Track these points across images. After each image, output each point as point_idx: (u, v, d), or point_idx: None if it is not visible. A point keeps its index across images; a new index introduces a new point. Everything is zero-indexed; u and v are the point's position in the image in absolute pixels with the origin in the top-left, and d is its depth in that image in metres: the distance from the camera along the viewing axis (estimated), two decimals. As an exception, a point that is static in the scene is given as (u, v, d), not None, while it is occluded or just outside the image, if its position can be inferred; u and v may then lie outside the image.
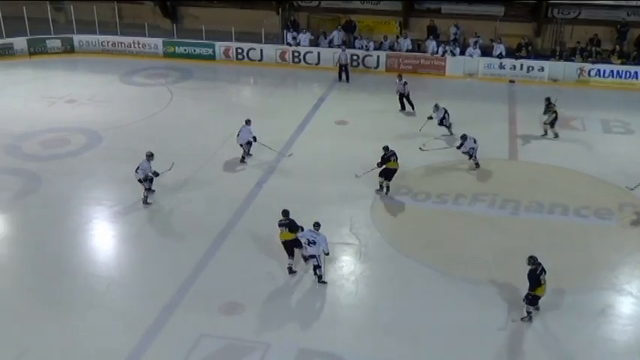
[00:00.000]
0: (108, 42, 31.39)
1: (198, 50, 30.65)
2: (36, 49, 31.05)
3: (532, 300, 13.51)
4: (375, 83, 27.77)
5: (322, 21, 31.85)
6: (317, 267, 14.74)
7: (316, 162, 20.80)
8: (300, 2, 31.90)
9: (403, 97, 24.78)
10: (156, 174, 18.28)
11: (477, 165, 20.19)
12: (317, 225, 14.68)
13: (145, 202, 18.35)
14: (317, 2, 31.69)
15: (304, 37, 30.13)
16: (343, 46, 28.78)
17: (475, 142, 20.12)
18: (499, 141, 22.13)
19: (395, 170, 18.44)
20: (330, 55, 29.37)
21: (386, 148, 18.52)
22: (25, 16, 30.42)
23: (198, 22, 31.34)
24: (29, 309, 14.16)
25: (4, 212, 18.02)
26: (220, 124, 23.01)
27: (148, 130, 23.14)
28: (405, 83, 24.65)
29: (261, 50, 30.12)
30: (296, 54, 29.78)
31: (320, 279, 14.88)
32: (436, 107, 22.32)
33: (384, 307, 14.32)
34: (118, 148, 21.67)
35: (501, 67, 28.30)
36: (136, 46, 31.22)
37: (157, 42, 31.04)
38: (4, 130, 22.83)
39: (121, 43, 31.33)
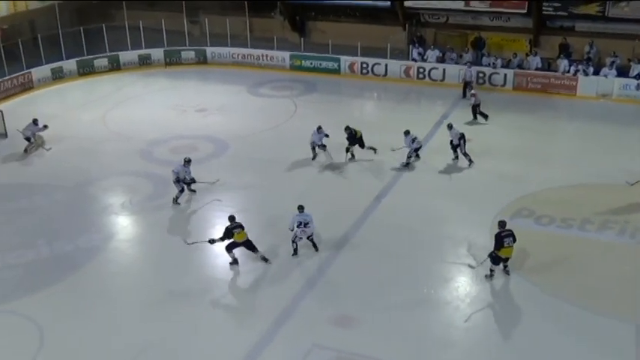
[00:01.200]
0: (238, 54, 32.60)
1: (323, 64, 31.20)
2: (171, 60, 32.79)
3: (495, 259, 15.15)
4: (500, 102, 27.14)
5: (449, 37, 31.55)
6: (315, 244, 16.65)
7: (436, 179, 20.60)
8: (427, 18, 31.76)
9: (476, 108, 25.09)
10: (193, 180, 19.37)
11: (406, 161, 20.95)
12: (301, 207, 16.40)
13: (175, 201, 19.27)
14: (445, 18, 31.44)
15: (432, 54, 29.94)
16: (469, 63, 28.39)
17: (414, 141, 20.95)
18: (635, 164, 20.97)
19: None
20: (455, 71, 29.05)
21: None
22: (164, 28, 32.24)
23: (325, 37, 31.91)
24: (149, 308, 14.90)
25: (135, 214, 19.09)
26: (340, 137, 23.23)
27: (271, 140, 23.82)
28: (474, 95, 25.18)
29: (386, 65, 30.25)
30: (421, 70, 29.66)
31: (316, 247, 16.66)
32: (450, 127, 21.74)
33: (499, 332, 13.93)
34: (243, 156, 22.44)
35: (639, 88, 26.87)
36: (265, 58, 32.23)
37: (285, 55, 31.89)
38: (139, 136, 24.24)
39: (251, 55, 32.45)
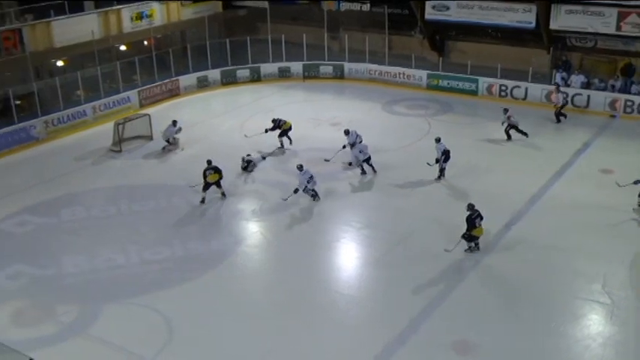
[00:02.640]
0: (375, 71, 32.88)
1: (461, 84, 30.81)
2: (310, 73, 33.59)
3: (469, 237, 16.93)
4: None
5: (597, 63, 30.19)
6: (314, 194, 20.14)
7: (573, 211, 19.73)
8: (574, 42, 30.58)
9: (514, 128, 25.14)
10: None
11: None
12: (301, 166, 20.20)
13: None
14: (593, 42, 30.12)
15: (576, 79, 28.79)
16: (557, 84, 27.83)
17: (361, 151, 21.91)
18: None
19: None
20: (601, 99, 27.78)
21: None
22: (304, 42, 33.11)
23: (465, 57, 31.51)
24: (273, 315, 15.30)
25: (264, 220, 19.69)
26: (474, 159, 22.86)
27: (402, 158, 23.77)
28: (510, 117, 25.05)
29: (526, 89, 29.41)
30: (563, 95, 28.58)
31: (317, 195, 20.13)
32: (437, 140, 22.02)
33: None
34: (372, 173, 22.54)
35: None
36: (401, 76, 32.28)
37: (422, 74, 31.79)
38: (274, 145, 24.95)
39: (388, 72, 32.62)
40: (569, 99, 28.34)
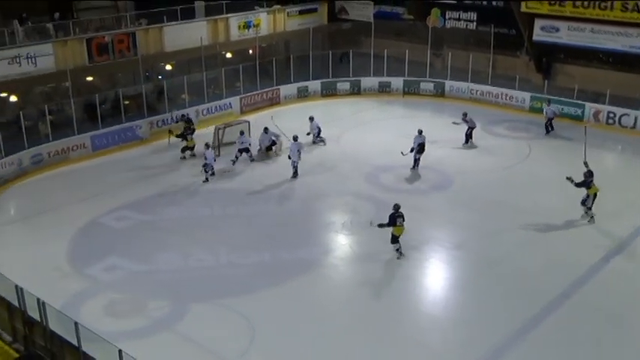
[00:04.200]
0: (477, 90, 32.39)
1: (566, 109, 29.83)
2: (410, 90, 33.48)
3: (393, 238, 17.97)
4: None
5: None
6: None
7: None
8: (692, 71, 29.08)
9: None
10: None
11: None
12: (296, 137, 23.16)
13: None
14: None
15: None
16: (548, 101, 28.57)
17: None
18: None
19: None
20: None
21: None
22: (406, 58, 33.05)
23: (572, 81, 30.52)
24: (354, 329, 15.31)
25: (354, 234, 19.73)
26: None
27: (499, 180, 23.27)
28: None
29: (636, 118, 28.17)
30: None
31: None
32: (419, 132, 24.10)
33: None
34: (467, 193, 22.20)
35: None
36: (504, 97, 31.65)
37: (525, 96, 31.05)
38: (368, 160, 25.05)
39: (489, 93, 32.06)
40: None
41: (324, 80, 33.39)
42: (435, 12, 33.99)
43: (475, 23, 33.27)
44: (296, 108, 31.76)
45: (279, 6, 34.44)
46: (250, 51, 32.98)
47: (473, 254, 18.37)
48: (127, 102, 27.83)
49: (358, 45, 35.65)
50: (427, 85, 33.40)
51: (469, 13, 33.23)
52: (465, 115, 26.87)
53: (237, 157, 24.76)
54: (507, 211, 20.83)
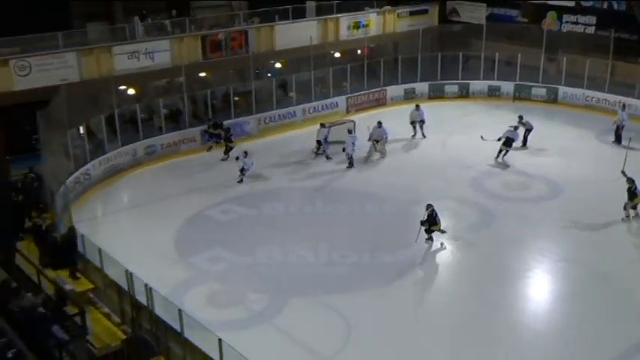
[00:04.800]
0: (592, 97, 31.06)
1: (690, 120, 28.18)
2: (520, 95, 32.59)
3: (428, 231, 18.57)
4: None
5: None
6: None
7: None
8: None
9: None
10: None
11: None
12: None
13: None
14: None
15: None
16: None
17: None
18: None
19: None
20: None
21: None
22: (518, 62, 32.18)
23: (698, 91, 28.81)
24: (450, 335, 15.12)
25: (455, 239, 19.40)
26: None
27: (611, 192, 22.18)
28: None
29: None
30: None
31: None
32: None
33: None
34: (577, 204, 21.40)
35: None
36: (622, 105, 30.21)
37: (643, 104, 29.56)
38: (474, 164, 24.65)
39: (606, 100, 30.65)
40: None
41: (432, 82, 33.04)
42: (552, 15, 32.94)
43: (594, 27, 31.97)
44: (402, 109, 31.47)
45: (389, 7, 34.37)
46: (359, 51, 33.08)
47: (580, 268, 17.70)
48: (236, 98, 28.58)
49: (468, 47, 34.98)
50: (539, 91, 32.38)
51: (588, 16, 32.00)
52: (520, 117, 26.43)
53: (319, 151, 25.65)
54: (619, 226, 19.91)
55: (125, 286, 15.43)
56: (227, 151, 25.55)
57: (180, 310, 13.70)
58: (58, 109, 20.94)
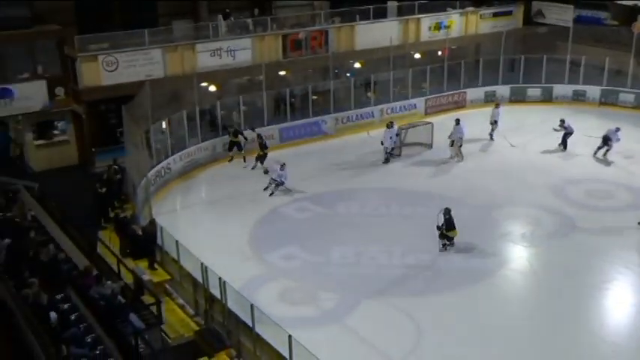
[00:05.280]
0: (687, 104, 29.74)
1: None
2: (607, 100, 31.46)
3: (446, 236, 18.26)
4: None
5: None
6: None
7: None
8: None
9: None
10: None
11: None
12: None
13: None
14: None
15: None
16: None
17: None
18: None
19: None
20: None
21: None
22: (606, 66, 31.06)
23: None
24: (523, 346, 14.74)
25: (533, 246, 18.97)
26: None
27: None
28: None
29: None
30: None
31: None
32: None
33: None
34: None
35: None
36: None
37: None
38: (555, 171, 24.03)
39: (702, 107, 29.26)
40: None
41: (514, 85, 32.31)
42: (645, 18, 31.66)
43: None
44: (481, 112, 30.91)
45: (472, 8, 33.82)
46: (439, 52, 32.68)
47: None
48: (315, 97, 28.73)
49: (553, 50, 34.01)
50: (627, 97, 31.15)
51: (683, 19, 30.62)
52: (562, 121, 26.02)
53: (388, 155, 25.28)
54: None
55: (200, 279, 15.76)
56: (260, 159, 24.41)
57: (252, 305, 13.89)
58: (142, 104, 21.59)
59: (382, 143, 24.90)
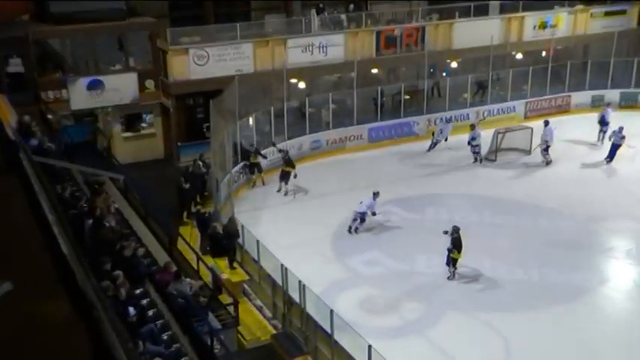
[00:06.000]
0: None
1: None
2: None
3: (453, 261, 17.08)
4: None
5: None
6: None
7: None
8: None
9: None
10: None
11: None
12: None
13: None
14: None
15: None
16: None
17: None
18: None
19: None
20: None
21: None
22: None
23: None
24: None
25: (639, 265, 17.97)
26: None
27: None
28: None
29: None
30: None
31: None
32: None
33: None
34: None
35: None
36: None
37: None
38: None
39: None
40: None
41: (625, 90, 30.88)
42: None
43: None
44: (587, 118, 29.68)
45: (582, 6, 32.52)
46: (543, 53, 31.60)
47: None
48: (407, 97, 28.41)
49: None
50: None
51: None
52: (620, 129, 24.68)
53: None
54: None
55: (279, 281, 15.80)
56: (285, 177, 22.56)
57: (331, 311, 13.81)
58: (230, 99, 21.93)
59: (433, 134, 25.69)
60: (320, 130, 26.35)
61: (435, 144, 26.16)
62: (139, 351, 11.56)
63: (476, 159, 25.01)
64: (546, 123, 24.88)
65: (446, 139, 26.42)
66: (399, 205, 21.61)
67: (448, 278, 17.32)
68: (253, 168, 23.18)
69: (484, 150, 25.28)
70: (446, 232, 17.41)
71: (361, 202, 19.90)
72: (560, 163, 24.67)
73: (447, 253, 17.29)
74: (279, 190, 22.73)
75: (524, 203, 21.68)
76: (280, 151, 23.46)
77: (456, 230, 17.26)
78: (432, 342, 14.94)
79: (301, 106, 26.29)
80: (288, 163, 22.74)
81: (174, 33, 24.89)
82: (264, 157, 23.52)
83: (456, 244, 17.11)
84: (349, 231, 19.86)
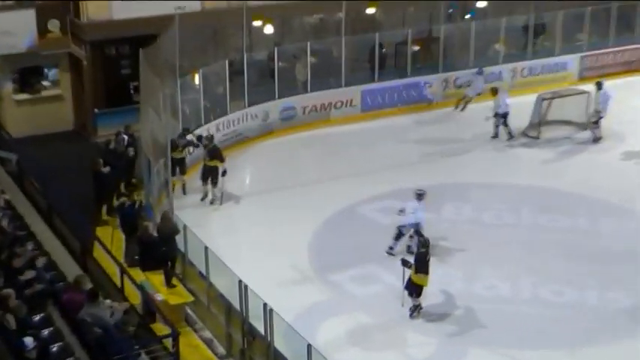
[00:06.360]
0: None
1: None
2: None
3: (416, 289, 16.79)
4: None
5: None
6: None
7: None
8: None
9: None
10: None
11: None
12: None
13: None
14: None
15: None
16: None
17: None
18: None
19: None
20: None
21: None
22: None
23: None
24: None
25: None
26: None
27: None
28: None
29: None
30: None
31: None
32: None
33: None
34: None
35: None
36: None
37: None
38: None
39: None
40: None
41: None
42: None
43: None
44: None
45: None
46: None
47: None
48: (416, 48, 28.46)
49: None
50: None
51: None
52: None
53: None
54: None
55: (236, 304, 15.80)
56: (209, 176, 21.59)
57: (309, 346, 13.82)
58: (167, 49, 21.72)
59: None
60: (294, 94, 26.37)
61: (466, 103, 26.64)
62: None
63: (509, 135, 25.32)
64: (599, 86, 25.23)
65: (478, 94, 26.88)
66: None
67: (411, 317, 16.98)
68: (175, 167, 21.28)
69: (521, 123, 25.42)
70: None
71: (401, 211, 19.23)
72: (627, 142, 24.99)
73: (402, 268, 17.08)
74: (203, 198, 21.88)
75: (575, 196, 22.03)
76: (199, 138, 22.40)
77: (424, 244, 17.04)
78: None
79: (268, 60, 26.24)
80: (213, 155, 21.70)
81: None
82: (197, 144, 22.51)
83: (420, 263, 16.78)
84: (389, 253, 19.26)
